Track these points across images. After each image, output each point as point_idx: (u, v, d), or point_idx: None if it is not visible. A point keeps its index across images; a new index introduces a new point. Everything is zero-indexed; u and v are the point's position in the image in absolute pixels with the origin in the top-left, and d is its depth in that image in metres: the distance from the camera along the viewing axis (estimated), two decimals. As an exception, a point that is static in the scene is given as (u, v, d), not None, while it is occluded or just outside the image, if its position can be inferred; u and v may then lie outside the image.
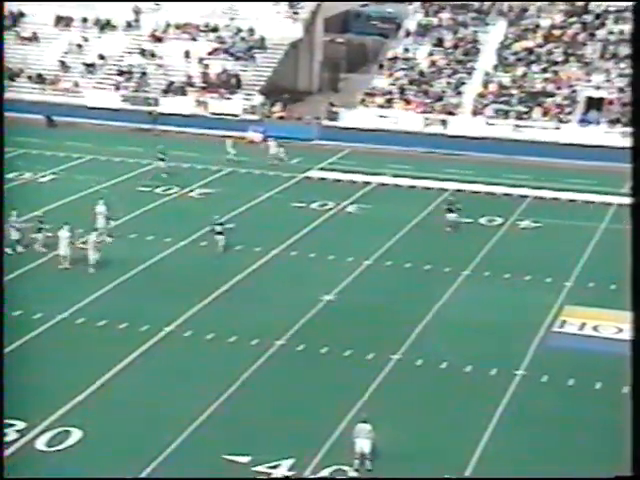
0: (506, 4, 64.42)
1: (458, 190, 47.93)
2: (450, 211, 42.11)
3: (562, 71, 58.70)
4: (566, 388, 28.41)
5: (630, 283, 14.94)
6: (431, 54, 61.67)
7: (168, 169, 48.15)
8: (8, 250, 37.28)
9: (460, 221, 42.13)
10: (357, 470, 23.87)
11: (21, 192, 45.60)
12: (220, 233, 38.69)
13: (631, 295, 14.98)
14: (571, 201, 46.81)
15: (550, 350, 30.92)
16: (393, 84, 59.57)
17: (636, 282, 14.77)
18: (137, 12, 65.57)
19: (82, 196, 44.74)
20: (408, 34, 64.18)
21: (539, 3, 63.95)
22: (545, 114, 56.23)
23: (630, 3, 44.64)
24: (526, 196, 47.38)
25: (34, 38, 65.01)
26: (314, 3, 65.69)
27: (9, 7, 66.48)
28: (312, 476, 23.74)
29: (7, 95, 60.62)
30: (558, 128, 55.24)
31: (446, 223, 41.83)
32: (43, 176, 48.26)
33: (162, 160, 48.58)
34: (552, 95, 57.38)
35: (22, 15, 66.62)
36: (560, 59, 59.79)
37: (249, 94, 60.13)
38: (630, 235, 15.15)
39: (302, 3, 65.08)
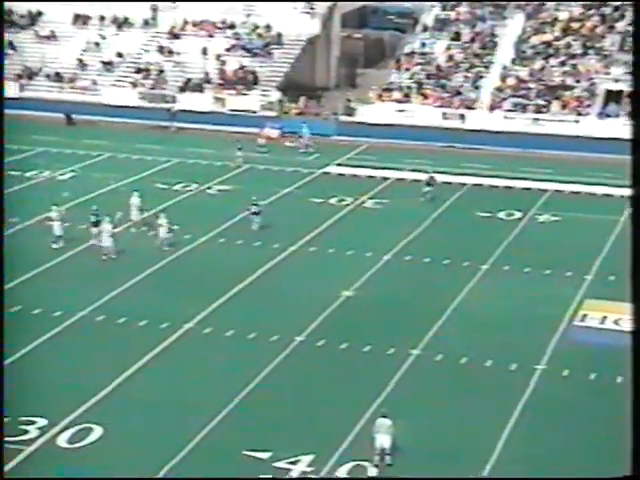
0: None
1: (476, 184, 47.85)
2: (428, 185, 44.89)
3: (581, 64, 58.43)
4: (587, 382, 28.29)
5: (630, 276, 14.86)
6: (449, 48, 61.50)
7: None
8: (54, 245, 37.70)
9: (434, 195, 44.61)
10: (377, 465, 23.84)
11: (41, 190, 45.82)
12: (256, 213, 40.07)
13: (631, 288, 14.90)
14: (590, 194, 46.62)
15: (571, 344, 30.82)
16: (411, 79, 59.44)
17: (636, 274, 14.69)
18: (154, 9, 65.65)
19: (101, 193, 44.87)
20: (425, 29, 64.02)
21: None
22: (564, 107, 55.99)
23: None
24: (545, 190, 47.21)
25: (52, 37, 65.19)
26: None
27: (27, 6, 66.82)
28: (329, 476, 23.72)
29: (26, 94, 61.19)
30: (577, 121, 55.01)
31: (424, 193, 44.64)
32: (62, 174, 48.38)
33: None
34: (571, 88, 57.13)
35: (40, 14, 66.82)
36: (579, 52, 59.52)
37: (266, 90, 60.12)
38: (631, 227, 15.06)
39: (319, -1, 65.10)
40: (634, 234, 14.97)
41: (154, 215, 40.04)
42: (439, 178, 46.88)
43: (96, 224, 38.03)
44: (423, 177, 46.00)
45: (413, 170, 49.50)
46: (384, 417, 24.05)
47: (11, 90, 61.27)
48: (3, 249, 26.34)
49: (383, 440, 23.83)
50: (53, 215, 38.66)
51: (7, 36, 65.14)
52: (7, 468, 23.51)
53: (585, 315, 32.79)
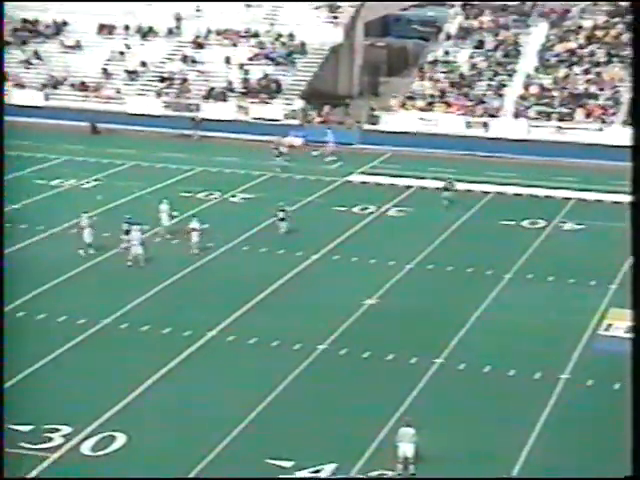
0: (548, 5, 64.08)
1: (500, 193, 47.76)
2: (446, 189, 45.51)
3: (605, 72, 58.23)
4: (612, 392, 28.12)
5: (631, 282, 14.82)
6: (472, 57, 61.45)
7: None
8: (81, 252, 37.91)
9: (453, 199, 45.33)
10: (400, 475, 23.79)
11: (65, 198, 46.06)
12: (283, 219, 40.58)
13: (632, 294, 14.87)
14: (615, 203, 46.38)
15: (595, 353, 30.66)
16: (434, 87, 59.40)
17: (636, 281, 14.67)
18: (178, 19, 65.93)
19: (125, 202, 45.06)
20: (449, 37, 64.00)
21: (582, 4, 63.51)
22: (588, 116, 55.80)
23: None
24: (569, 198, 47.05)
25: (77, 46, 65.57)
26: (354, 8, 65.68)
27: (53, 17, 67.25)
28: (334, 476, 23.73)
29: (51, 103, 61.59)
30: (601, 129, 54.80)
31: (443, 199, 45.26)
32: (87, 182, 48.61)
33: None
34: (595, 96, 56.94)
35: (65, 24, 67.23)
36: (603, 60, 59.32)
37: (290, 99, 60.24)
38: (630, 234, 15.02)
39: (342, 7, 65.11)
40: (634, 241, 14.94)
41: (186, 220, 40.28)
42: (462, 186, 46.85)
43: (128, 232, 38.19)
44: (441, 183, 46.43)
45: (436, 178, 49.45)
46: (407, 426, 24.01)
47: (36, 99, 61.78)
48: (3, 250, 26.47)
49: (406, 449, 23.78)
50: (83, 222, 38.83)
51: (33, 46, 65.67)
52: (31, 475, 23.70)
53: (610, 324, 32.63)
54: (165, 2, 66.51)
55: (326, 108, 59.91)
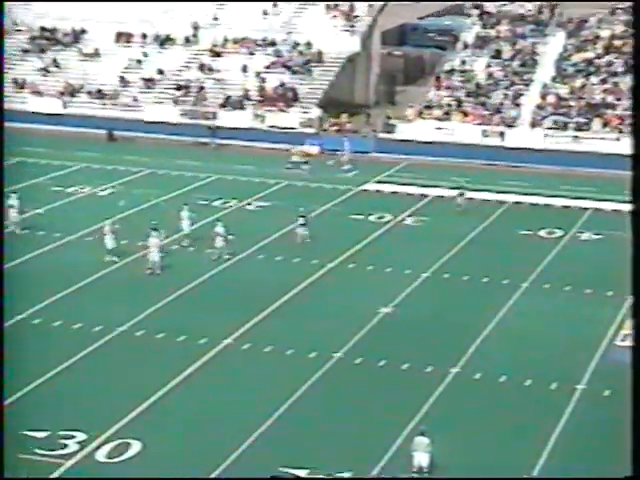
0: (566, 15, 63.99)
1: (517, 202, 47.66)
2: (461, 195, 46.05)
3: (622, 82, 58.06)
4: (629, 403, 27.92)
5: (632, 290, 14.76)
6: (489, 66, 61.37)
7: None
8: (107, 258, 38.16)
9: (466, 205, 45.86)
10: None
11: (82, 205, 46.17)
12: (303, 225, 40.73)
13: (632, 302, 14.81)
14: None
15: (612, 364, 30.50)
16: (450, 96, 59.37)
17: (637, 289, 14.63)
18: (196, 27, 66.11)
19: (141, 209, 45.15)
20: (466, 46, 63.95)
21: (599, 14, 63.40)
22: (605, 125, 55.65)
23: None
24: (586, 208, 46.92)
25: (95, 54, 65.81)
26: (371, 17, 65.74)
27: (71, 25, 67.51)
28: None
29: (69, 110, 61.83)
30: (618, 139, 54.62)
31: (457, 204, 45.84)
32: (103, 189, 48.72)
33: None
34: (612, 106, 56.79)
35: (84, 32, 67.49)
36: (620, 70, 59.16)
37: (306, 107, 60.29)
38: (631, 242, 14.97)
39: (359, 16, 65.18)
40: (634, 250, 14.89)
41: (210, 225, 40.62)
42: (478, 195, 46.75)
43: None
44: (454, 192, 46.79)
45: (452, 188, 49.38)
46: (422, 435, 23.95)
47: (54, 107, 62.01)
48: (3, 252, 26.62)
49: (421, 458, 23.73)
50: (106, 228, 38.89)
51: (51, 54, 65.93)
52: (46, 482, 23.75)
53: (627, 335, 32.47)
54: (182, 10, 66.81)
55: (344, 116, 59.94)
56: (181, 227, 40.87)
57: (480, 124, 57.05)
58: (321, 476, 23.97)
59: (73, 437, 25.57)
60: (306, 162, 52.52)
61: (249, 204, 46.92)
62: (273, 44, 64.81)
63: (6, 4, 65.14)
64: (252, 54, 64.42)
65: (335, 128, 59.24)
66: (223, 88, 62.32)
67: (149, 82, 63.28)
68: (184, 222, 40.90)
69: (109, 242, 38.52)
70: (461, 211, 45.57)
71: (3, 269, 22.35)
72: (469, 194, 46.70)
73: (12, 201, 41.76)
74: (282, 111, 59.97)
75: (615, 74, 59.02)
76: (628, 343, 31.89)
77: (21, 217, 42.17)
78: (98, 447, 25.26)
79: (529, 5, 66.61)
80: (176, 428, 26.36)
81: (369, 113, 61.36)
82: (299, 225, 41.11)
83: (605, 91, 57.92)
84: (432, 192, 49.12)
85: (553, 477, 24.23)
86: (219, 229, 39.24)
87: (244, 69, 63.04)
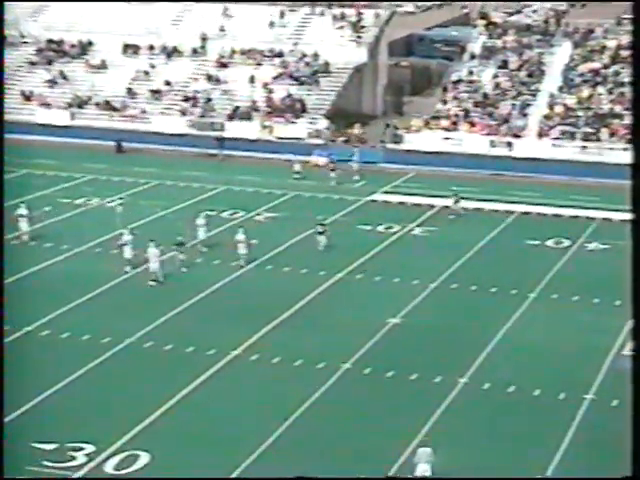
0: (572, 26, 64.04)
1: (525, 212, 47.65)
2: (456, 202, 46.73)
3: (629, 92, 58.00)
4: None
5: (631, 299, 14.77)
6: (496, 76, 61.40)
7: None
8: (127, 268, 38.30)
9: (463, 211, 46.69)
10: None
11: (90, 217, 46.23)
12: (321, 233, 40.99)
13: (632, 311, 14.82)
14: (640, 223, 46.13)
15: (620, 374, 30.40)
16: (458, 107, 59.40)
17: (637, 297, 14.64)
18: (203, 39, 66.27)
19: (149, 221, 45.22)
20: (473, 57, 64.00)
21: (606, 25, 63.42)
22: (612, 135, 55.64)
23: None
24: (594, 218, 46.89)
25: (102, 66, 65.99)
26: (378, 28, 65.85)
27: (78, 37, 67.74)
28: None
29: (76, 122, 62.01)
30: (626, 149, 54.54)
31: (452, 212, 46.56)
32: (111, 201, 48.78)
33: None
34: (620, 116, 56.77)
35: (91, 44, 67.70)
36: (627, 80, 59.14)
37: (314, 118, 60.37)
38: (631, 251, 14.98)
39: (366, 27, 65.31)
40: (634, 259, 14.90)
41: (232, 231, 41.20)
42: (486, 206, 46.73)
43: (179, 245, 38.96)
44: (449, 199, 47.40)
45: (461, 198, 49.39)
46: (425, 446, 23.95)
47: (62, 119, 62.19)
48: (3, 255, 26.67)
49: (424, 469, 23.72)
50: (125, 239, 38.93)
51: (58, 66, 66.14)
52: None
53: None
54: (190, 22, 67.03)
55: (356, 126, 59.94)
56: (197, 234, 41.33)
57: (488, 134, 57.06)
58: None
59: (81, 449, 25.58)
60: (298, 173, 52.81)
61: (258, 214, 46.95)
62: (280, 55, 64.96)
63: (14, 16, 65.54)
64: (259, 65, 64.56)
65: (343, 139, 59.28)
66: (230, 99, 62.45)
67: (157, 93, 63.43)
68: (200, 229, 41.39)
69: (127, 252, 38.56)
70: (455, 219, 45.89)
71: (3, 274, 22.37)
72: (464, 202, 46.92)
73: (22, 210, 42.03)
74: (290, 122, 60.07)
75: (622, 84, 58.98)
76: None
77: (31, 227, 42.37)
78: (106, 459, 25.28)
79: (535, 15, 66.68)
80: (185, 440, 26.35)
81: (388, 123, 60.90)
82: (317, 233, 41.42)
83: (612, 101, 57.91)
84: (440, 202, 49.10)
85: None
86: (240, 236, 39.63)
87: (251, 80, 63.16)
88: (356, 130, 59.64)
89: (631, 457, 14.47)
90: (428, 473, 23.70)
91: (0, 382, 20.43)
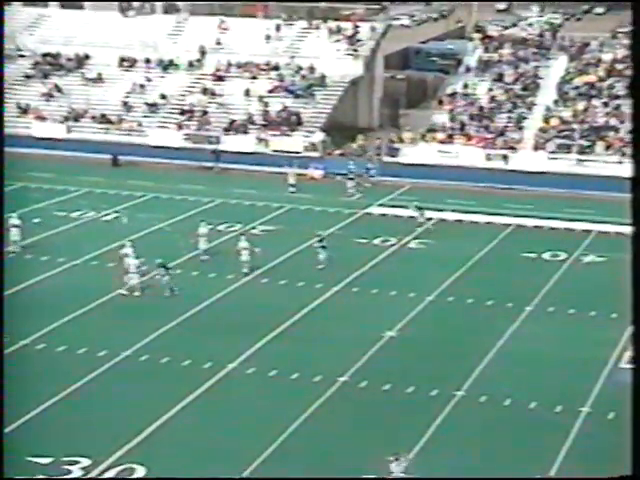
0: (567, 39, 64.26)
1: (521, 225, 47.70)
2: (419, 209, 47.13)
3: (624, 105, 58.18)
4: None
5: (631, 311, 14.77)
6: (491, 89, 61.54)
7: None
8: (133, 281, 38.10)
9: (424, 220, 46.83)
10: None
11: (86, 230, 46.20)
12: (323, 247, 40.80)
13: (632, 324, 14.82)
14: (636, 235, 46.16)
15: (617, 387, 30.43)
16: (453, 120, 59.52)
17: (637, 311, 14.64)
18: (203, 52, 66.33)
19: (145, 234, 45.19)
20: (468, 70, 64.16)
21: (601, 38, 63.63)
22: (608, 148, 55.75)
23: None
24: (590, 231, 46.92)
25: (98, 79, 66.05)
26: (374, 41, 66.02)
27: (74, 49, 67.82)
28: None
29: (72, 135, 62.03)
30: (621, 162, 54.67)
31: (417, 222, 46.60)
32: (107, 214, 48.76)
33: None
34: (615, 129, 56.90)
35: (87, 57, 67.77)
36: (622, 93, 59.29)
37: (310, 131, 60.44)
38: (631, 264, 14.99)
39: (362, 40, 65.47)
40: (634, 272, 14.90)
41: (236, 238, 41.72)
42: (482, 218, 46.70)
43: (163, 266, 38.31)
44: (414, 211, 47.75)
45: (456, 211, 49.47)
46: (396, 460, 23.94)
47: (58, 132, 62.20)
48: (4, 260, 26.71)
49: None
50: (128, 251, 38.86)
51: (54, 79, 66.18)
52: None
53: (631, 357, 32.39)
54: (186, 35, 67.11)
55: (359, 137, 59.96)
56: (198, 245, 41.61)
57: (483, 147, 57.16)
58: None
59: (77, 462, 25.53)
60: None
61: (253, 228, 46.92)
62: (276, 68, 65.04)
63: (10, 29, 65.56)
64: (255, 78, 64.63)
65: (339, 152, 59.31)
66: (226, 112, 62.51)
67: (153, 107, 63.47)
68: (201, 239, 41.64)
69: (128, 263, 38.50)
70: (423, 230, 45.98)
71: (3, 279, 22.37)
72: (428, 213, 47.53)
73: (13, 220, 42.06)
74: (286, 135, 60.13)
75: (617, 97, 59.16)
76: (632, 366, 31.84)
77: (22, 237, 42.41)
78: (102, 472, 25.22)
79: (531, 29, 66.89)
80: (181, 453, 26.31)
81: (378, 138, 61.04)
82: (319, 247, 41.13)
83: (607, 114, 58.04)
84: (436, 215, 49.13)
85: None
86: (243, 243, 39.96)
87: (247, 93, 63.24)
88: (360, 141, 59.61)
89: (631, 457, 14.44)
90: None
91: (0, 395, 20.44)
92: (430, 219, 47.42)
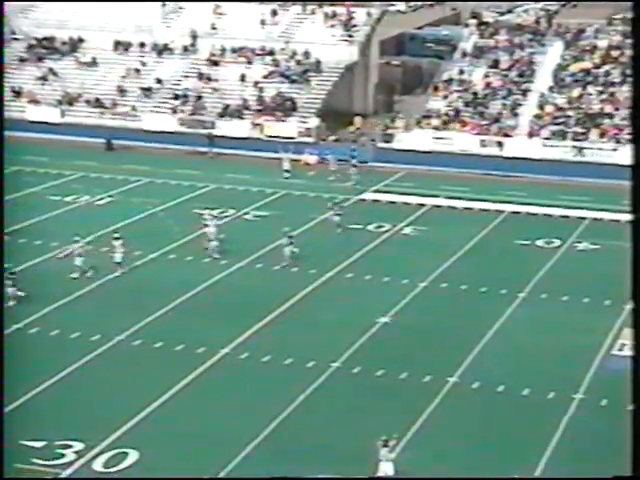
0: (563, 25, 64.13)
1: (515, 212, 47.70)
2: (338, 215, 44.24)
3: (619, 92, 58.15)
4: (626, 412, 27.94)
5: (632, 300, 14.79)
6: (487, 76, 61.46)
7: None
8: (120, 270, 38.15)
9: (344, 224, 44.06)
10: None
11: (80, 214, 46.15)
12: (292, 243, 40.10)
13: (632, 312, 14.84)
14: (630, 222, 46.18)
15: (609, 373, 30.51)
16: (449, 106, 59.45)
17: (636, 298, 14.66)
18: (194, 37, 66.16)
19: (139, 219, 45.15)
20: (464, 56, 64.03)
21: (597, 25, 63.54)
22: (602, 135, 55.73)
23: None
24: (584, 218, 46.95)
25: (93, 63, 65.86)
26: (369, 26, 65.87)
27: (69, 34, 67.59)
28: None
29: (67, 119, 61.86)
30: (615, 149, 54.68)
31: (334, 225, 44.01)
32: (101, 199, 48.69)
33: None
34: (610, 116, 56.88)
35: (82, 41, 67.55)
36: (618, 80, 59.26)
37: (305, 117, 60.34)
38: (631, 252, 15.01)
39: (358, 26, 65.32)
40: (634, 260, 14.93)
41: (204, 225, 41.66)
42: (476, 205, 46.65)
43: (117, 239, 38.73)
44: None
45: (450, 197, 49.45)
46: (385, 446, 23.91)
47: (52, 116, 62.06)
48: (4, 255, 26.66)
49: (387, 468, 23.76)
50: (116, 242, 38.76)
51: (48, 63, 65.99)
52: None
53: (624, 344, 32.48)
54: (181, 19, 66.91)
55: (357, 120, 59.76)
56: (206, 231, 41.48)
57: (478, 134, 57.12)
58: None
59: (70, 447, 25.53)
60: (287, 171, 52.66)
61: (247, 214, 46.89)
62: (271, 53, 64.90)
63: (4, 12, 65.27)
64: (250, 63, 64.49)
65: (334, 138, 59.22)
66: (221, 97, 62.38)
67: (147, 91, 63.30)
68: (210, 223, 41.67)
69: (117, 256, 38.43)
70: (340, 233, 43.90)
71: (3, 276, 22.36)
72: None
73: None
74: (280, 120, 60.03)
75: (612, 84, 59.11)
76: (625, 352, 31.93)
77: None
78: (95, 457, 25.23)
79: (526, 15, 66.75)
80: (173, 437, 26.32)
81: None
82: (288, 244, 39.96)
83: (602, 101, 58.00)
84: (430, 202, 49.12)
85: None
86: (212, 228, 40.59)
87: (242, 78, 63.11)
88: (357, 124, 59.38)
89: (631, 457, 14.46)
90: (391, 472, 23.69)
91: (0, 380, 20.46)
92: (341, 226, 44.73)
